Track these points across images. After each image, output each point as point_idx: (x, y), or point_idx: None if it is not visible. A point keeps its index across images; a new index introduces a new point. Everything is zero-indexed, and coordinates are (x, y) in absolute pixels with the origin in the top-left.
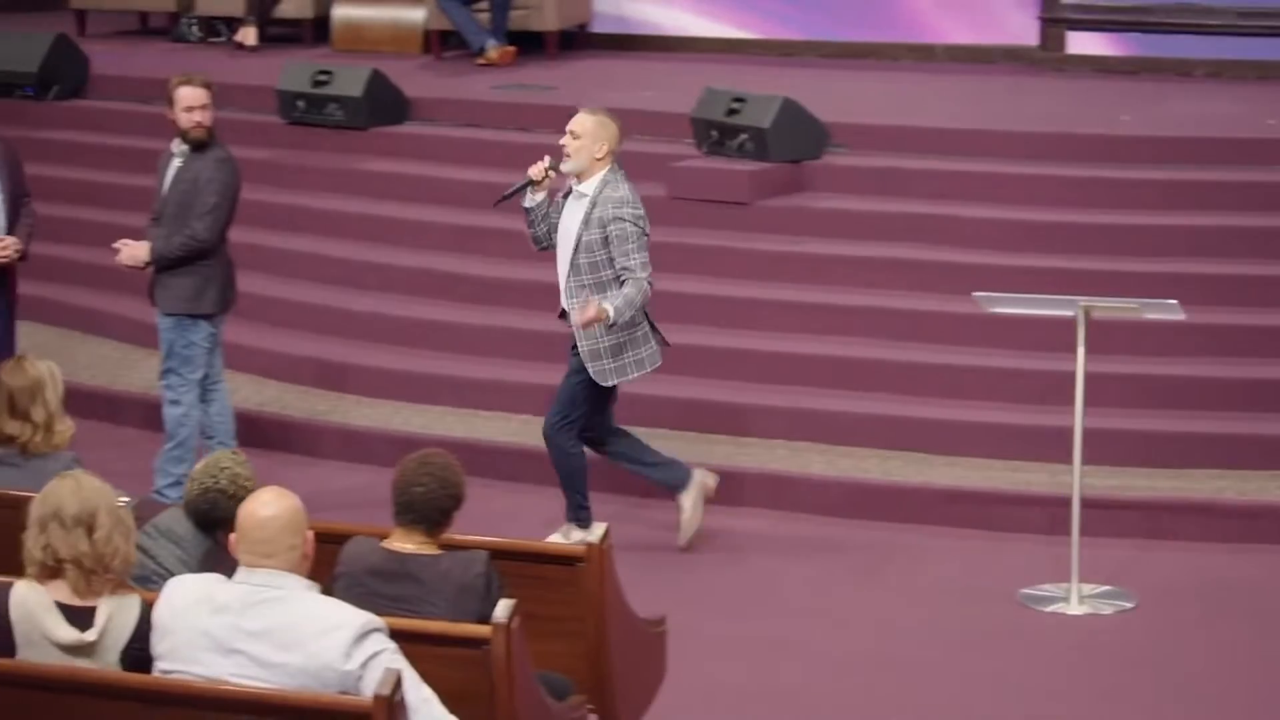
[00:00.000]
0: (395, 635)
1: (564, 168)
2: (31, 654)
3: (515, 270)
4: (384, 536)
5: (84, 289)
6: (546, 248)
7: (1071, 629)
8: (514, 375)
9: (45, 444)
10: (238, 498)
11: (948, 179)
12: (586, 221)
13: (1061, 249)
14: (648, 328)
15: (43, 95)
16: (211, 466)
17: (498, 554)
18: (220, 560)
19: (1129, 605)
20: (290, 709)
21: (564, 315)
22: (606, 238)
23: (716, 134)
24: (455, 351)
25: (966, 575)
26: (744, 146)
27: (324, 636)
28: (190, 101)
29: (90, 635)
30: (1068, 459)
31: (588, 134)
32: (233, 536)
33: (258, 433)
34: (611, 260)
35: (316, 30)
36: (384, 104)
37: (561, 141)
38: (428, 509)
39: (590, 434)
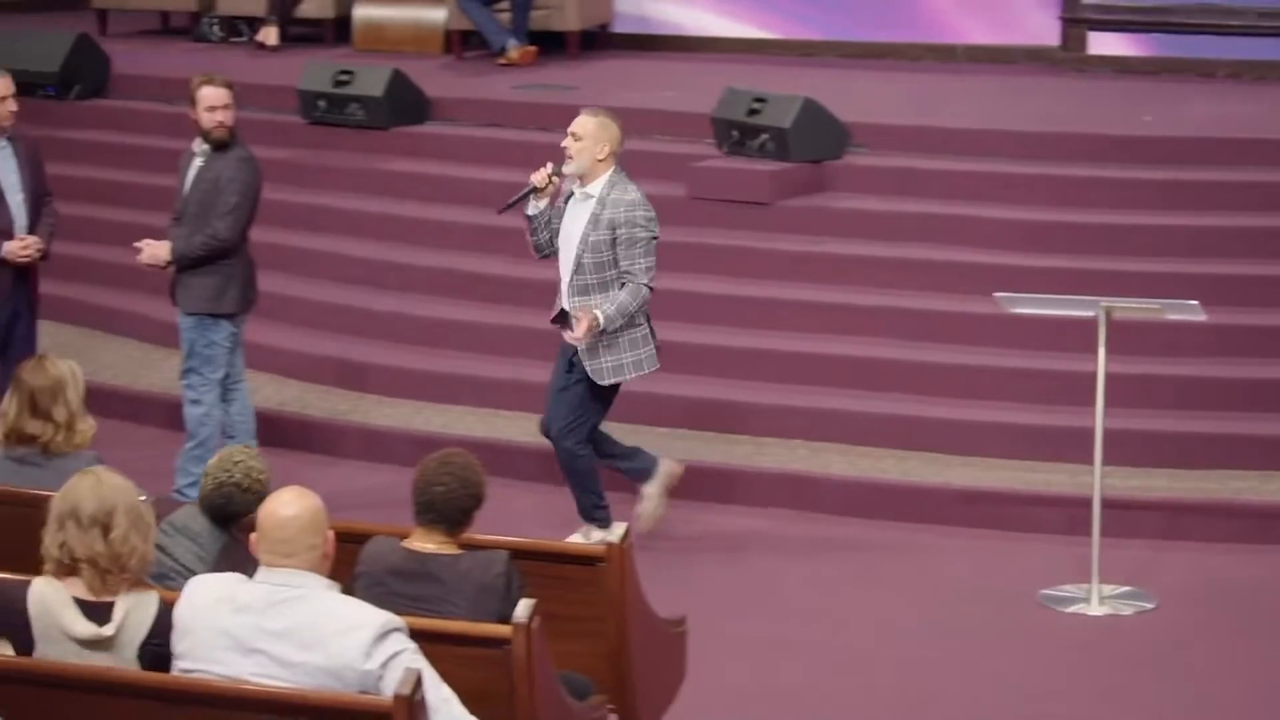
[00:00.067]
0: (415, 635)
1: (566, 169)
2: (50, 649)
3: (536, 270)
4: (404, 536)
5: (105, 288)
6: (548, 254)
7: (1092, 630)
8: (535, 375)
9: (67, 443)
10: (252, 491)
11: (968, 179)
12: (595, 222)
13: (1082, 250)
14: (648, 330)
15: (64, 95)
16: (225, 461)
17: (518, 554)
18: (237, 555)
19: (1150, 606)
20: (311, 708)
21: (557, 319)
22: (615, 239)
23: (737, 134)
24: (476, 351)
25: (986, 576)
26: (765, 146)
27: (344, 636)
28: (212, 101)
29: (108, 630)
30: (1085, 459)
31: (589, 135)
32: (253, 536)
33: (279, 432)
34: (616, 261)
35: (338, 30)
36: (405, 104)
37: (563, 144)
38: (448, 509)
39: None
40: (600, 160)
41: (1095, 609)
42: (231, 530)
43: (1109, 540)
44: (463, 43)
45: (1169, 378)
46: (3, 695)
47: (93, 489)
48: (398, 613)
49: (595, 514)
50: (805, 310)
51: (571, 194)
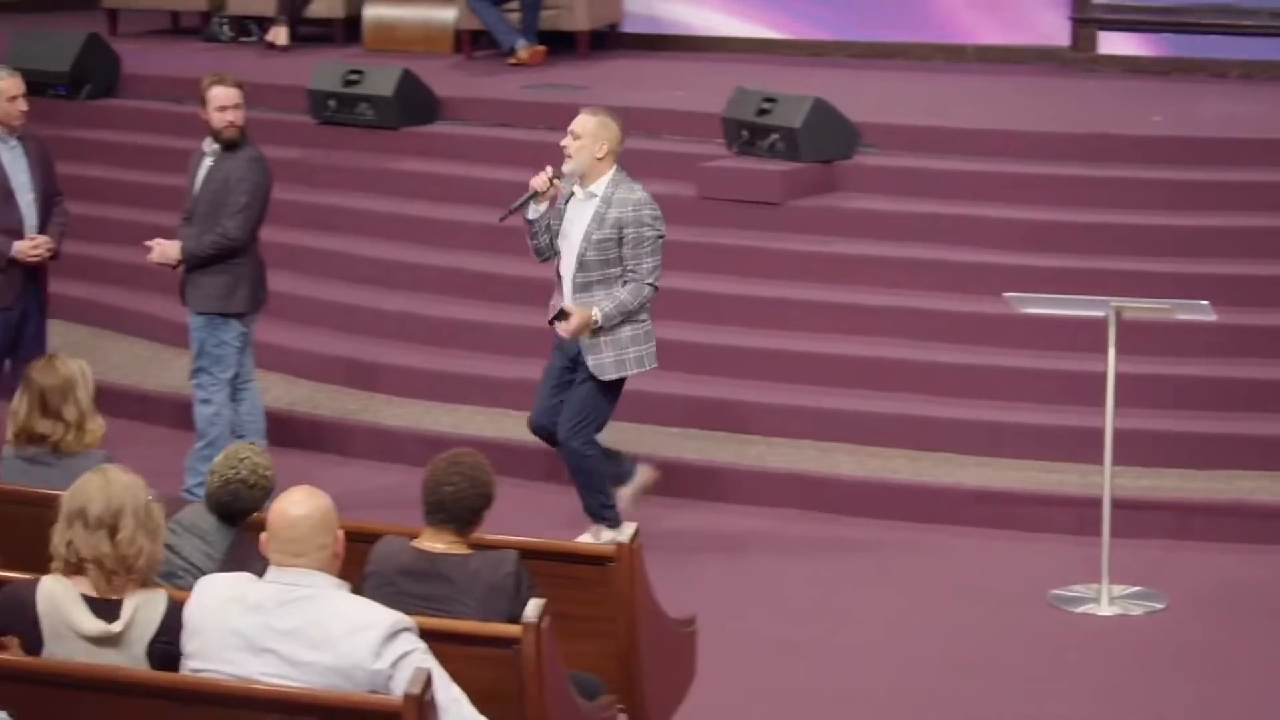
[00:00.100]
0: (425, 635)
1: (566, 168)
2: (59, 646)
3: (546, 270)
4: (414, 536)
5: (115, 288)
6: (548, 257)
7: (1102, 630)
8: None
9: (77, 443)
10: (259, 487)
11: (978, 179)
12: (600, 221)
13: (1092, 250)
14: (650, 326)
15: (74, 94)
16: (230, 458)
17: (528, 554)
18: (245, 553)
19: (1160, 606)
20: (320, 708)
21: (553, 321)
22: (622, 238)
23: (747, 134)
24: (486, 351)
25: (996, 576)
26: (775, 146)
27: (354, 635)
28: (223, 101)
29: (117, 627)
30: (1095, 459)
31: (588, 134)
32: (263, 535)
33: (289, 432)
34: (622, 259)
35: (348, 30)
36: (415, 104)
37: (563, 143)
38: (458, 508)
39: (551, 425)
40: (600, 159)
41: (1105, 609)
42: (239, 527)
43: (1119, 540)
44: (472, 42)
45: (1179, 378)
46: (13, 694)
47: (101, 489)
48: (407, 612)
49: (604, 513)
50: (815, 310)
51: (571, 194)
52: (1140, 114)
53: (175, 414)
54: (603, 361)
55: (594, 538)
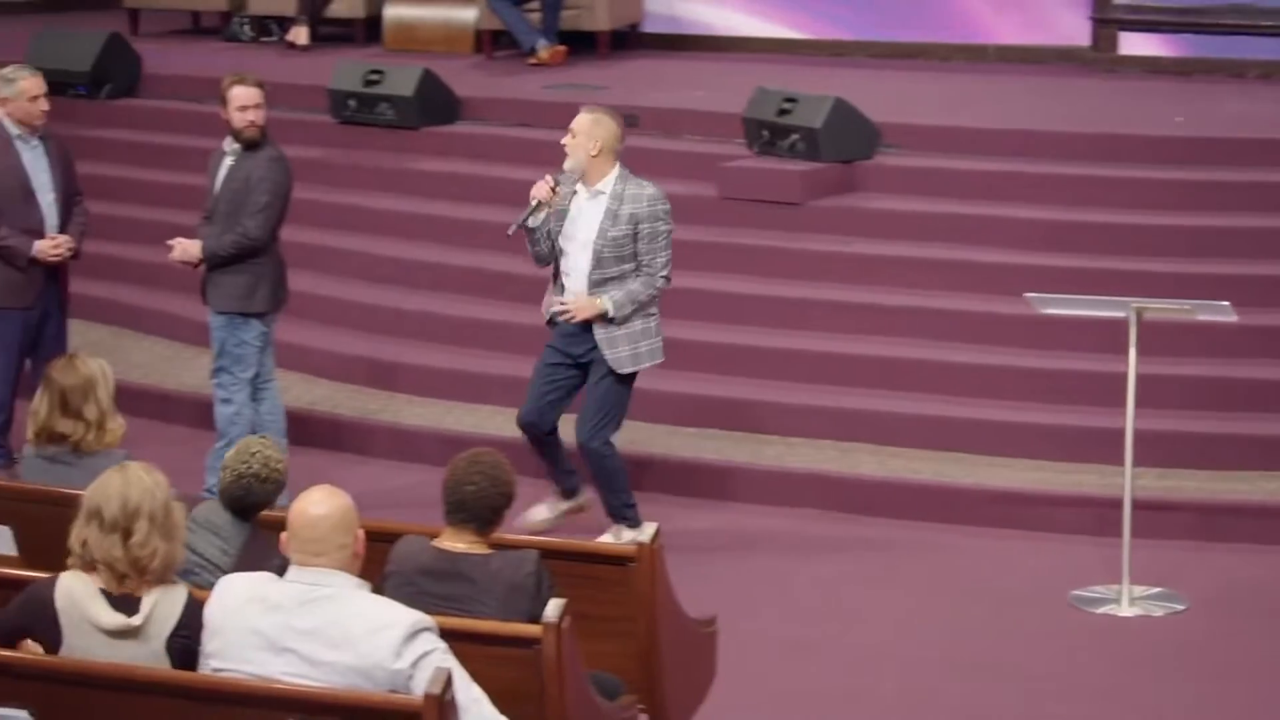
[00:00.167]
0: (446, 634)
1: (565, 166)
2: (78, 641)
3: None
4: (434, 535)
5: (136, 287)
6: (549, 262)
7: (1123, 631)
8: None
9: (97, 442)
10: (271, 481)
11: (999, 180)
12: (613, 218)
13: (1112, 250)
14: (659, 321)
15: (95, 94)
16: (242, 453)
17: (548, 553)
18: (259, 548)
19: (1181, 607)
20: (341, 708)
21: (551, 322)
22: (636, 233)
23: (768, 134)
24: (506, 351)
25: (1016, 576)
26: (795, 146)
27: (375, 635)
28: (244, 101)
29: (136, 620)
30: (1115, 460)
31: (583, 132)
32: (284, 535)
33: (309, 432)
34: (635, 254)
35: (368, 30)
36: (435, 103)
37: (563, 141)
38: (479, 508)
39: (542, 423)
40: (594, 156)
41: (1126, 610)
42: (254, 522)
43: (1139, 541)
44: (493, 42)
45: (1200, 379)
46: (33, 693)
47: (119, 491)
48: (428, 612)
49: (625, 513)
50: (836, 310)
51: (573, 194)
52: (1160, 114)
53: (195, 413)
54: (620, 355)
55: (615, 538)
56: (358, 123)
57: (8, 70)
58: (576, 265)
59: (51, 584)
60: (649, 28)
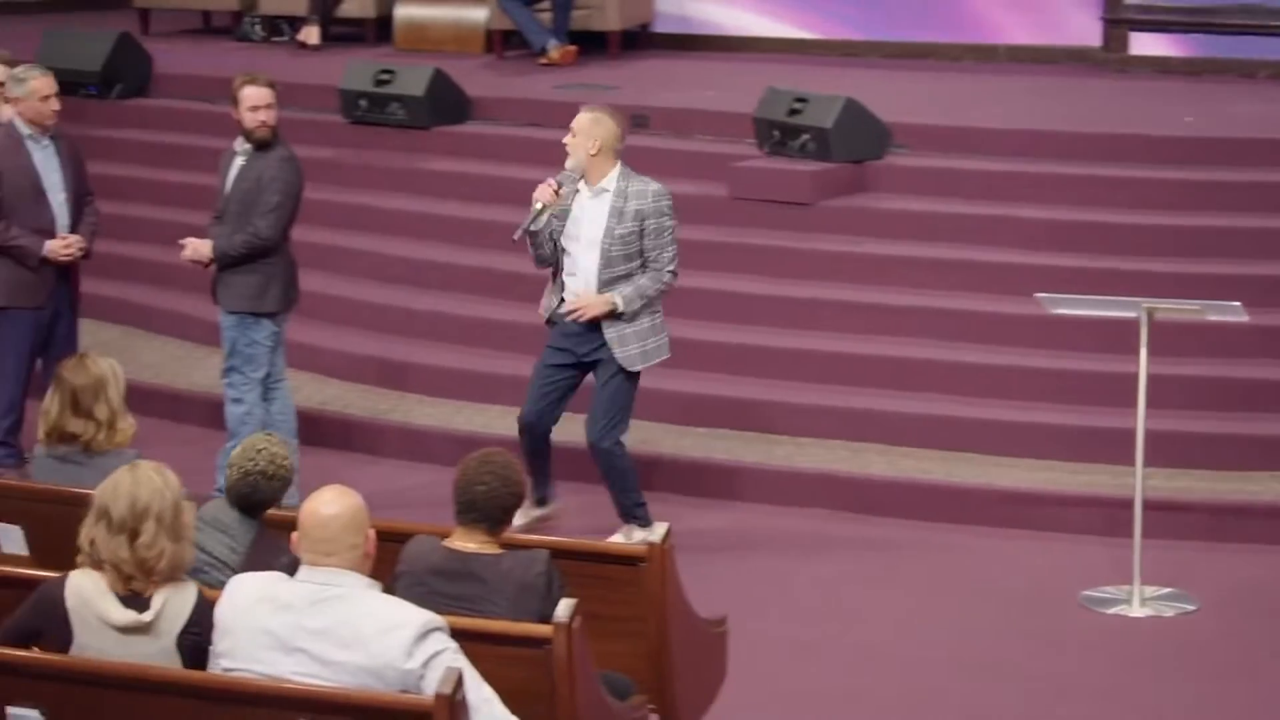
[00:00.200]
0: (456, 634)
1: (567, 165)
2: (89, 639)
3: None
4: (445, 535)
5: (147, 287)
6: (550, 264)
7: (1133, 631)
8: None
9: (108, 442)
10: (277, 478)
11: (1010, 180)
12: (619, 215)
13: (1123, 251)
14: (663, 318)
15: (106, 94)
16: (248, 450)
17: (559, 553)
18: (267, 546)
19: (1191, 608)
20: (351, 707)
21: (550, 322)
22: (642, 230)
23: (778, 134)
24: (516, 351)
25: (1027, 576)
26: (806, 147)
27: (385, 635)
28: (255, 101)
29: (147, 616)
30: (1125, 460)
31: (582, 131)
32: (295, 535)
33: (320, 431)
34: (642, 250)
35: (379, 30)
36: (446, 103)
37: (564, 139)
38: (490, 508)
39: (543, 424)
40: (593, 155)
41: (1137, 610)
42: (261, 519)
43: (1150, 541)
44: (504, 42)
45: (1211, 379)
46: (44, 692)
47: (129, 491)
48: (439, 612)
49: (636, 513)
50: (846, 311)
51: (575, 193)
52: (1170, 114)
53: (206, 413)
54: (630, 353)
55: (626, 538)
56: (369, 123)
57: (19, 70)
58: (582, 265)
59: (61, 583)
60: (660, 28)
